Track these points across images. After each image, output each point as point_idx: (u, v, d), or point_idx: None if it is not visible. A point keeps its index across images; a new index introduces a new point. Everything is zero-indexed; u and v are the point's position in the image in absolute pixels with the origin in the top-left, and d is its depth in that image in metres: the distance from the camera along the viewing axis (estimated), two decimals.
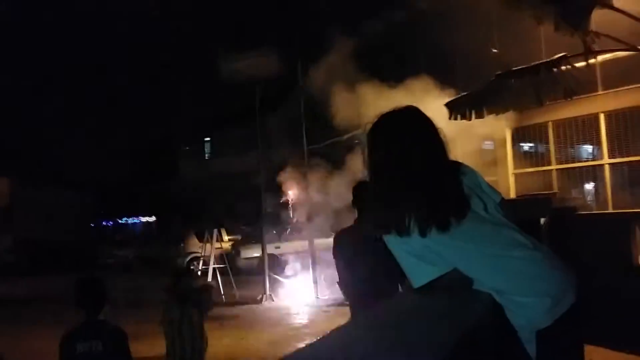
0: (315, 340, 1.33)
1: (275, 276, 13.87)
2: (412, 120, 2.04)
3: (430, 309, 1.81)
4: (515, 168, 13.28)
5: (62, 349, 3.83)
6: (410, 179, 1.93)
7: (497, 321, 1.93)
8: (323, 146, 14.26)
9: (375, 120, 2.06)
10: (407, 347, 1.30)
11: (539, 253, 1.94)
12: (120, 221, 45.01)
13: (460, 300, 1.87)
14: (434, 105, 6.69)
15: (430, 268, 1.92)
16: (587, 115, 11.65)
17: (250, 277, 14.67)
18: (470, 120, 6.81)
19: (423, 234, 1.88)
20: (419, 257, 1.93)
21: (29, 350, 8.79)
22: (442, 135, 2.05)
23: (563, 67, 6.00)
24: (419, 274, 1.94)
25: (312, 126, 13.47)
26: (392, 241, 1.97)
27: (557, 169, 12.63)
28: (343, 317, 1.70)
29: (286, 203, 16.19)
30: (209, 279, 12.80)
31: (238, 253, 18.05)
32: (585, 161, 13.43)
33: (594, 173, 12.91)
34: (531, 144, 13.92)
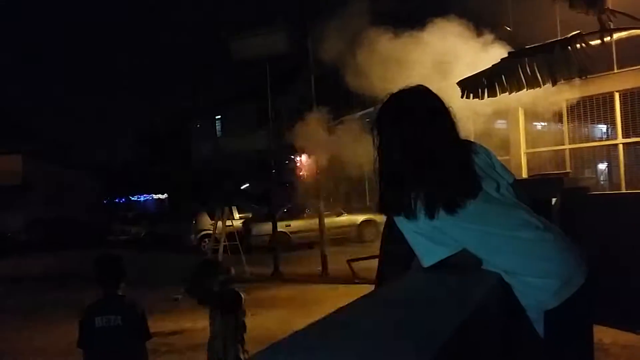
0: (324, 317, 1.34)
1: (285, 254, 13.96)
2: (420, 99, 2.02)
3: (439, 288, 1.81)
4: (527, 147, 13.20)
5: (82, 323, 3.90)
6: (417, 158, 1.93)
7: (506, 301, 1.94)
8: (335, 124, 14.19)
9: (384, 101, 2.05)
10: (414, 325, 1.31)
11: (549, 234, 1.93)
12: (132, 198, 45.33)
13: (469, 279, 1.88)
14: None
15: (439, 248, 1.92)
16: (601, 94, 11.52)
17: (260, 255, 14.75)
18: (482, 99, 6.75)
19: (431, 215, 1.87)
20: (429, 238, 1.93)
21: (44, 328, 8.95)
22: (452, 115, 2.04)
23: (578, 46, 5.91)
24: (429, 253, 1.95)
25: (323, 103, 13.40)
26: (402, 221, 1.98)
27: (570, 149, 12.54)
28: (352, 295, 1.73)
29: (297, 181, 16.20)
30: (220, 256, 12.91)
31: (249, 231, 18.14)
32: (599, 141, 13.31)
33: (608, 153, 12.81)
34: (544, 123, 13.81)
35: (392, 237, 4.18)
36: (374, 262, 11.43)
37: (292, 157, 14.55)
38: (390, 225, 4.32)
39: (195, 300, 4.35)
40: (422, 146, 1.93)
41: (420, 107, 2.00)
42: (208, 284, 4.20)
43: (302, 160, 14.56)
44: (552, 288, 1.87)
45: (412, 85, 2.05)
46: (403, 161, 1.96)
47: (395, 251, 3.00)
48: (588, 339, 2.04)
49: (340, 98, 12.00)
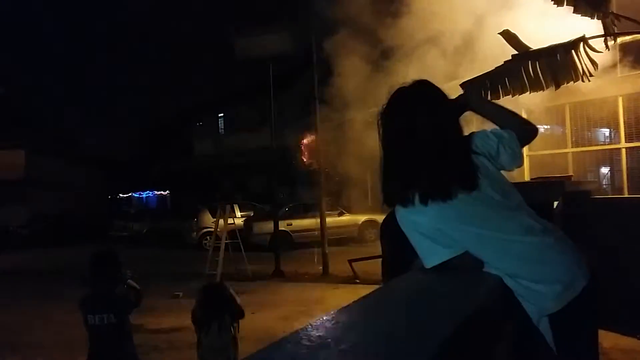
0: (324, 316, 1.35)
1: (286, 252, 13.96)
2: (421, 93, 2.08)
3: (440, 289, 1.83)
4: (530, 150, 13.18)
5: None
6: (417, 148, 1.97)
7: (507, 303, 1.95)
8: (337, 124, 14.18)
9: (388, 96, 2.10)
10: (413, 325, 1.32)
11: (550, 238, 1.94)
12: (134, 195, 45.38)
13: (470, 281, 1.89)
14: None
15: (442, 250, 1.94)
16: (605, 98, 11.50)
17: (262, 253, 14.77)
18: None
19: (424, 201, 1.91)
20: (432, 239, 1.96)
21: (44, 322, 8.99)
22: (454, 108, 2.10)
23: (581, 49, 5.92)
24: (431, 254, 1.97)
25: (326, 102, 13.39)
26: (405, 220, 2.00)
27: (572, 152, 12.53)
28: (353, 294, 1.73)
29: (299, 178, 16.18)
30: (222, 254, 12.93)
31: (250, 229, 18.16)
32: (601, 144, 13.30)
33: (611, 157, 12.79)
34: (547, 126, 13.79)
35: (388, 233, 4.18)
36: (375, 263, 11.45)
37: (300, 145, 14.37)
38: (387, 222, 4.33)
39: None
40: (422, 137, 1.98)
41: (418, 100, 2.05)
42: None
43: (306, 146, 14.43)
44: (552, 293, 1.88)
45: (415, 79, 2.10)
46: (400, 153, 2.02)
47: (393, 248, 3.02)
48: (591, 343, 2.04)
49: (342, 97, 11.98)
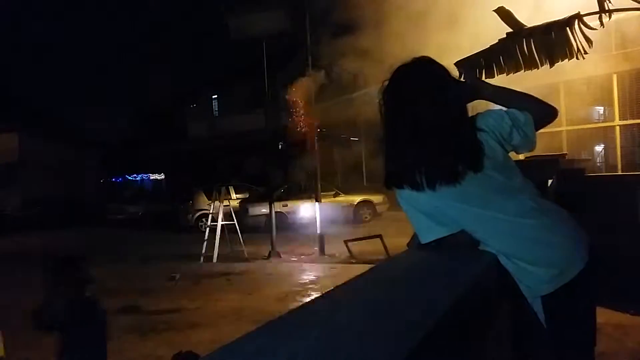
0: (321, 295, 1.36)
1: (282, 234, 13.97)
2: (423, 70, 2.02)
3: (434, 266, 1.84)
4: None
5: None
6: (420, 127, 1.92)
7: (502, 282, 1.96)
8: (332, 104, 14.14)
9: (389, 74, 2.05)
10: (407, 303, 1.33)
11: (548, 220, 1.92)
12: (129, 178, 45.30)
13: (465, 259, 1.90)
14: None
15: (438, 227, 1.95)
16: (599, 75, 11.48)
17: (257, 235, 14.81)
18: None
19: (431, 186, 1.89)
20: (429, 216, 1.96)
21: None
22: (458, 85, 2.05)
23: (576, 27, 5.89)
24: (427, 231, 1.98)
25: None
26: (404, 198, 2.00)
27: (567, 130, 12.53)
28: (349, 275, 1.75)
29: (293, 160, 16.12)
30: (217, 236, 12.95)
31: (246, 210, 18.18)
32: (596, 122, 13.31)
33: (605, 135, 12.81)
34: None
35: None
36: (371, 243, 11.52)
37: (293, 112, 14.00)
38: None
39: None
40: (426, 116, 1.92)
41: (425, 77, 2.00)
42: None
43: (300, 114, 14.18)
44: (547, 275, 1.88)
45: (417, 56, 2.05)
46: (402, 133, 1.97)
47: None
48: (587, 324, 2.01)
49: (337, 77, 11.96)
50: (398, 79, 2.03)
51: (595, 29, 5.94)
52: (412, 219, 2.01)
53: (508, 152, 2.00)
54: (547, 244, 1.90)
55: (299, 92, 13.56)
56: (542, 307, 1.93)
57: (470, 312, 1.51)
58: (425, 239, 1.98)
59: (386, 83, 2.03)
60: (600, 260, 1.95)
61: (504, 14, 6.29)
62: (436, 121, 1.92)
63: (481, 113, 2.01)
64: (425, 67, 2.03)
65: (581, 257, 1.90)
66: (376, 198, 18.82)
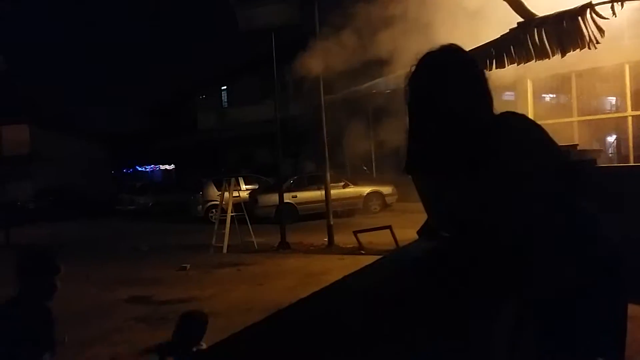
0: (331, 283, 1.37)
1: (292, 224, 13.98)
2: (451, 58, 1.97)
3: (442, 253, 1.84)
4: (536, 119, 13.05)
5: None
6: (444, 113, 1.89)
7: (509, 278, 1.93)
8: (340, 95, 14.10)
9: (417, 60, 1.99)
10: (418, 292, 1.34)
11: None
12: (139, 169, 45.49)
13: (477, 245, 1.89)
14: None
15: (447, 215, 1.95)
16: (611, 65, 11.37)
17: (267, 226, 14.85)
18: (491, 70, 6.69)
19: (453, 173, 1.87)
20: (439, 202, 1.95)
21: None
22: (485, 75, 1.98)
23: (588, 16, 5.84)
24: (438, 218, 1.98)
25: (330, 75, 13.28)
26: (424, 182, 2.00)
27: (578, 121, 12.44)
28: (358, 265, 1.75)
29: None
30: (227, 226, 13.01)
31: (256, 201, 18.22)
32: (607, 113, 13.20)
33: (617, 125, 12.70)
34: (553, 95, 13.68)
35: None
36: (381, 234, 11.51)
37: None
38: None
39: None
40: (451, 102, 1.88)
41: (452, 63, 1.95)
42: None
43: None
44: (556, 272, 1.82)
45: (445, 44, 1.99)
46: (433, 118, 1.93)
47: None
48: (606, 328, 1.93)
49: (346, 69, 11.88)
50: (425, 66, 1.97)
51: (607, 18, 5.89)
52: (424, 201, 1.99)
53: None
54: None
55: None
56: (549, 308, 1.87)
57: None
58: (438, 225, 2.00)
59: (413, 69, 1.98)
60: (621, 260, 1.88)
61: (515, 3, 6.25)
62: (457, 113, 1.88)
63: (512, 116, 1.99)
64: (453, 55, 1.98)
65: (593, 255, 1.84)
66: (385, 189, 18.79)
